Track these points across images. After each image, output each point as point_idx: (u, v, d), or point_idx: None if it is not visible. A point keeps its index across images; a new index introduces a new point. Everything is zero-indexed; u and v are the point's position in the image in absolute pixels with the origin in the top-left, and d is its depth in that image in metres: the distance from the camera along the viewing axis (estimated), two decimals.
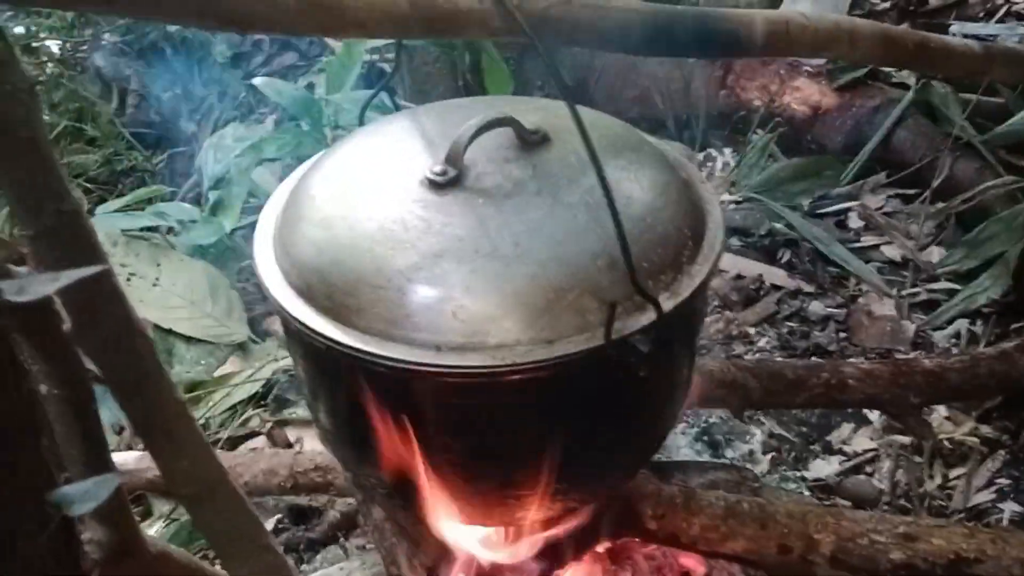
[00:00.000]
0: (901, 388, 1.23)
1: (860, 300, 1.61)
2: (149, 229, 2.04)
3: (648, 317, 0.74)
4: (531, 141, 0.83)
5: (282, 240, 0.84)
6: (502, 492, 0.83)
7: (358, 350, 0.74)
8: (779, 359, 1.48)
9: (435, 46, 1.88)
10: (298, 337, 0.80)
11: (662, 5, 0.90)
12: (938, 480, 1.31)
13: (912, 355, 1.47)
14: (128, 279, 1.92)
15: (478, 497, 0.85)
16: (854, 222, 1.79)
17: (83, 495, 0.50)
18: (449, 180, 0.78)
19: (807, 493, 1.29)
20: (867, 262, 1.68)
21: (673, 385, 0.86)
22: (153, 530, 1.45)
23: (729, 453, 1.36)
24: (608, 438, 0.83)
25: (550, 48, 0.88)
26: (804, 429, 1.40)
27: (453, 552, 0.98)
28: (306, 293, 0.79)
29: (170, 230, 2.07)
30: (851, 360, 1.33)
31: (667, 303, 0.75)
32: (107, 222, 2.01)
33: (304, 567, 1.33)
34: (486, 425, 0.78)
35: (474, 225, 0.76)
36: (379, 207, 0.79)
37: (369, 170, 0.85)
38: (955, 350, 1.49)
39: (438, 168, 0.79)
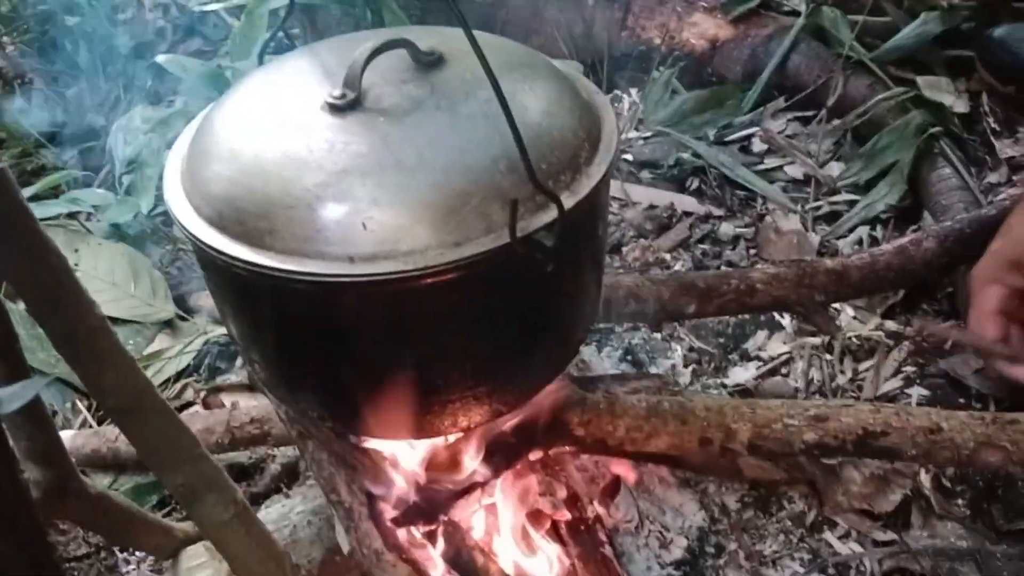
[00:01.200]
0: (806, 288, 1.30)
1: (767, 219, 1.68)
2: (65, 217, 2.02)
3: (550, 214, 0.78)
4: (426, 62, 0.86)
5: (191, 176, 0.86)
6: (428, 400, 0.87)
7: (275, 269, 0.76)
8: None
9: (335, 3, 1.89)
10: (215, 267, 0.82)
11: None
12: (849, 375, 1.38)
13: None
14: None
15: (405, 407, 0.88)
16: (757, 146, 1.85)
17: (10, 396, 0.52)
18: (348, 103, 0.81)
19: (728, 398, 1.35)
20: (772, 183, 1.75)
21: (582, 283, 0.91)
22: None
23: (653, 369, 1.42)
24: (526, 336, 0.87)
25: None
26: (721, 340, 1.46)
27: (390, 472, 1.02)
28: (219, 223, 0.81)
29: (88, 216, 2.05)
30: (758, 266, 1.38)
31: (568, 200, 0.79)
32: None
33: None
34: (405, 332, 0.81)
35: (376, 142, 0.79)
36: (282, 135, 0.81)
37: (270, 102, 0.87)
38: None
39: (337, 92, 0.81)
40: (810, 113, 1.88)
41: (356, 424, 0.92)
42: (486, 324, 0.83)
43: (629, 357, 1.43)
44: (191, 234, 0.81)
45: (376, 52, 0.82)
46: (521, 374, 0.91)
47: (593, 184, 0.82)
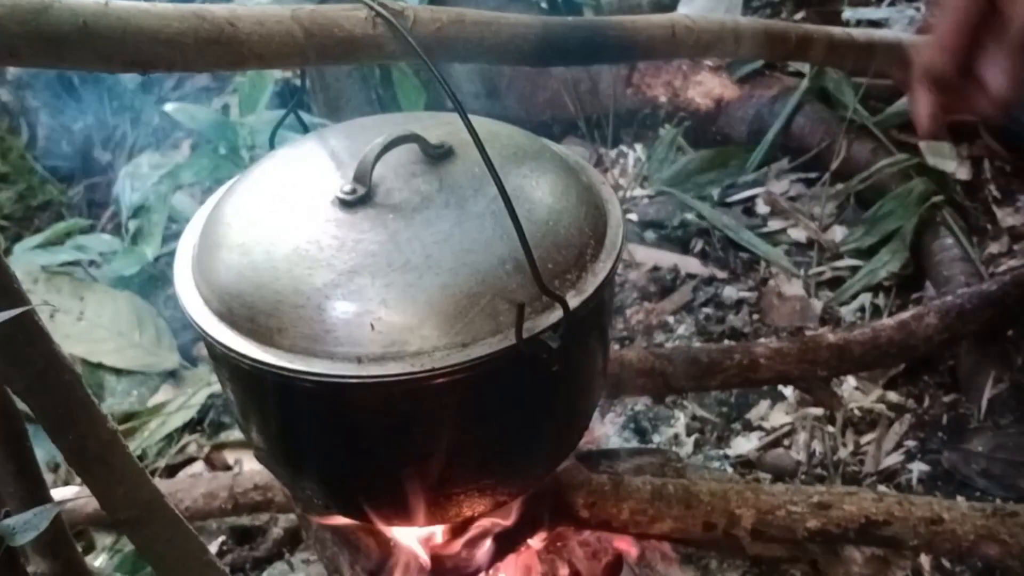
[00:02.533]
0: (809, 363, 1.31)
1: (770, 282, 1.69)
2: (70, 264, 2.03)
3: (556, 315, 0.78)
4: (436, 155, 0.87)
5: (201, 267, 0.87)
6: (433, 492, 0.87)
7: (282, 368, 0.77)
8: (696, 344, 1.54)
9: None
10: (224, 361, 0.83)
11: (552, 18, 0.94)
12: (851, 447, 1.38)
13: (819, 331, 1.55)
14: (52, 315, 1.91)
15: (411, 499, 0.88)
16: (761, 208, 1.87)
17: (23, 525, 0.52)
18: (359, 198, 0.82)
19: (730, 470, 1.36)
20: (775, 245, 1.76)
21: (587, 378, 0.91)
22: (98, 562, 1.45)
23: (656, 438, 1.42)
24: (531, 432, 0.88)
25: (443, 67, 0.93)
26: (724, 409, 1.46)
27: (394, 554, 1.02)
28: (228, 317, 0.81)
29: (92, 263, 2.06)
30: (761, 341, 1.39)
31: (573, 300, 0.80)
32: (26, 259, 1.99)
33: None
34: (412, 429, 0.82)
35: (385, 240, 0.80)
36: (293, 229, 0.82)
37: (281, 193, 0.88)
38: (860, 323, 1.57)
39: (347, 187, 0.82)
40: (814, 175, 1.90)
41: (360, 513, 0.93)
42: (492, 421, 0.84)
43: (632, 425, 1.44)
44: (201, 329, 0.81)
45: (387, 148, 0.84)
46: (526, 465, 0.92)
47: (599, 282, 0.83)
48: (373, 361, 0.76)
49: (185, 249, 0.91)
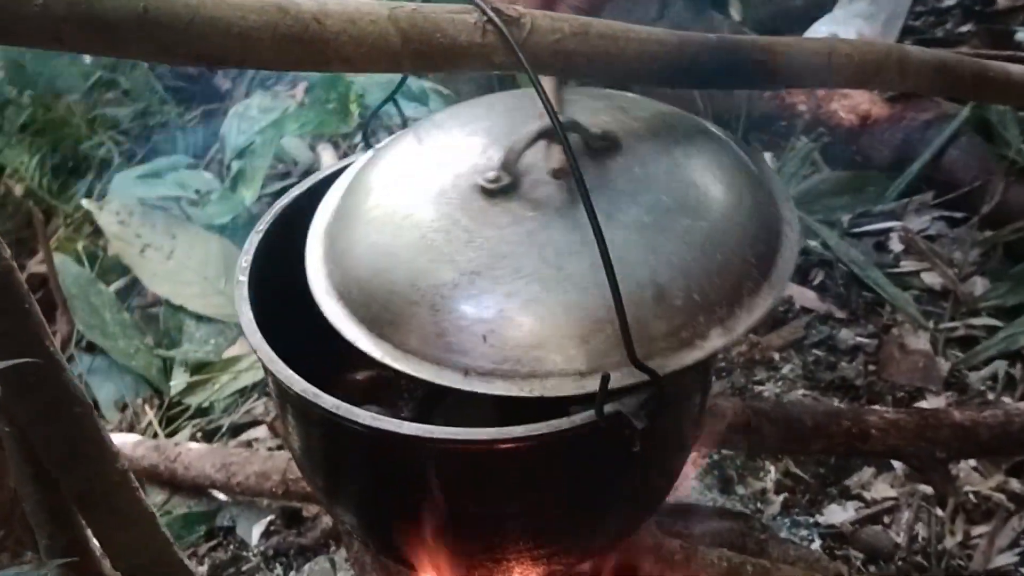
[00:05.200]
0: (927, 441, 1.16)
1: (893, 331, 1.53)
2: (169, 199, 2.01)
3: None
4: (597, 148, 0.77)
5: (331, 236, 0.81)
6: (478, 552, 0.78)
7: (387, 367, 0.71)
8: (800, 392, 1.41)
9: None
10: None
11: (689, 34, 0.82)
12: (959, 537, 1.23)
13: (942, 397, 1.39)
14: (142, 250, 1.89)
15: (453, 553, 0.79)
16: (894, 244, 1.69)
17: None
18: (501, 188, 0.74)
19: (819, 542, 1.23)
20: (905, 289, 1.59)
21: (675, 452, 0.80)
22: None
23: (740, 490, 1.30)
24: (597, 504, 0.77)
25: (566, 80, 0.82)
26: (822, 470, 1.32)
27: None
28: (346, 297, 0.75)
29: (193, 203, 2.03)
30: (875, 408, 1.25)
31: (717, 341, 0.69)
32: (125, 188, 1.98)
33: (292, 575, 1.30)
34: (473, 483, 0.73)
35: (519, 241, 0.71)
36: (426, 212, 0.74)
37: (423, 169, 0.80)
38: (990, 395, 1.40)
39: (491, 175, 0.74)
40: (960, 215, 1.71)
41: (397, 555, 0.84)
42: (562, 485, 0.74)
43: (717, 472, 1.32)
44: (318, 302, 0.76)
45: (540, 136, 0.74)
46: (586, 539, 0.82)
47: (752, 321, 0.72)
48: (480, 377, 0.68)
49: (321, 216, 0.85)
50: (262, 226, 0.87)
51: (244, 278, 0.81)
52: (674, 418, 0.74)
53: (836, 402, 1.41)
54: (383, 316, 0.72)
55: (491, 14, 0.66)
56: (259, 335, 0.75)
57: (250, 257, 0.83)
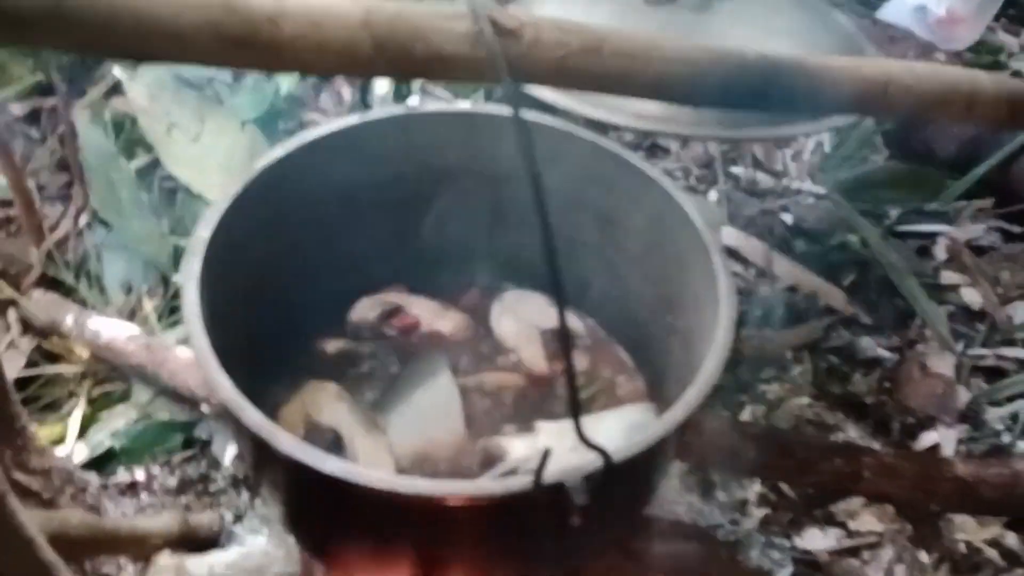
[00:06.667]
0: (923, 492, 1.11)
1: (918, 347, 1.44)
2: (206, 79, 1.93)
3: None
4: None
5: None
6: None
7: None
8: (805, 399, 1.34)
9: None
10: None
11: (723, 51, 0.72)
12: None
13: (954, 431, 1.31)
14: (169, 130, 1.84)
15: None
16: (939, 251, 1.58)
17: None
18: None
19: (790, 568, 1.18)
20: (940, 304, 1.49)
21: (619, 528, 0.75)
22: (122, 422, 1.41)
23: (720, 496, 1.25)
24: (540, 559, 0.73)
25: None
26: (810, 490, 1.25)
27: None
28: None
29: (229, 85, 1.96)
30: (874, 449, 1.18)
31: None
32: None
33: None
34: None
35: None
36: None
37: None
38: (1006, 436, 1.32)
39: None
40: (1017, 229, 1.59)
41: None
42: (489, 543, 0.69)
43: (699, 473, 1.26)
44: None
45: None
46: None
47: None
48: None
49: None
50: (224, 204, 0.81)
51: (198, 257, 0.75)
52: (622, 493, 0.68)
53: (840, 417, 1.34)
54: None
55: (483, 24, 0.57)
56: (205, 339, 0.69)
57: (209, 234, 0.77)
